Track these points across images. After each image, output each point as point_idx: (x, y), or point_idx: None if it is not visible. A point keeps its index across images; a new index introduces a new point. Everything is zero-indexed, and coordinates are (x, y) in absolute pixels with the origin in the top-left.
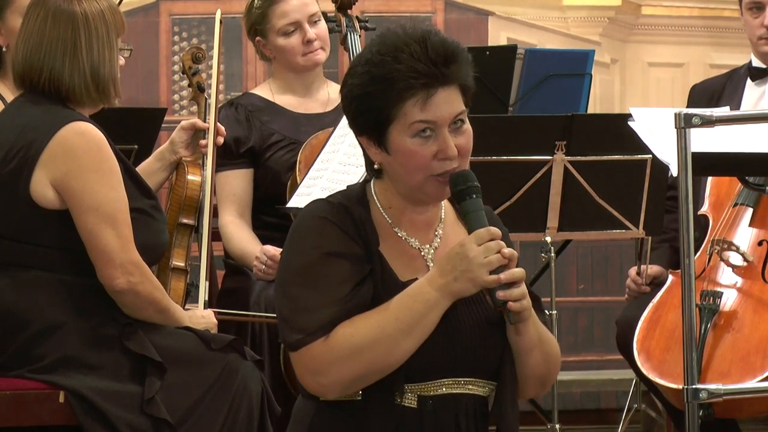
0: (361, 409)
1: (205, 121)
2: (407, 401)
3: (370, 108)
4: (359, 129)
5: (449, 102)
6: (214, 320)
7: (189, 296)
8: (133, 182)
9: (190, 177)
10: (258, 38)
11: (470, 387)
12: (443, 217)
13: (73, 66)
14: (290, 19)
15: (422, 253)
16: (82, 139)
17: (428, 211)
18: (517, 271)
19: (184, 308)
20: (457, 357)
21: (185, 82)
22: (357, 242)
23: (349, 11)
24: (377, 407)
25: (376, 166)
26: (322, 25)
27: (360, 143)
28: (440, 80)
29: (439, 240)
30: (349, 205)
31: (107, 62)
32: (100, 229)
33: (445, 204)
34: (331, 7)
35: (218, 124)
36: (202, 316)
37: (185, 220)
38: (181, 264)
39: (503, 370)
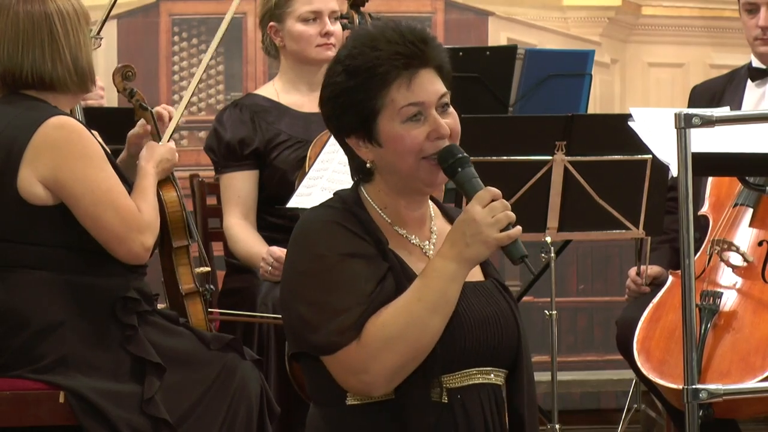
0: (397, 408)
1: (157, 135)
2: (441, 396)
3: (355, 103)
4: (346, 129)
5: (432, 82)
6: (175, 153)
7: (205, 300)
8: (116, 173)
9: (165, 196)
10: (272, 23)
11: (489, 377)
12: (432, 214)
13: (54, 54)
14: (314, 7)
15: (423, 250)
16: (63, 132)
17: (421, 207)
18: (518, 229)
19: (207, 325)
20: (479, 346)
21: (185, 82)
22: (368, 243)
23: (361, 8)
24: (415, 405)
25: (368, 165)
26: (339, 26)
27: (347, 146)
28: (421, 60)
29: (435, 236)
30: (351, 208)
31: (83, 47)
32: (101, 211)
33: (430, 203)
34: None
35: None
36: (167, 152)
37: (178, 244)
38: (191, 286)
39: (520, 360)
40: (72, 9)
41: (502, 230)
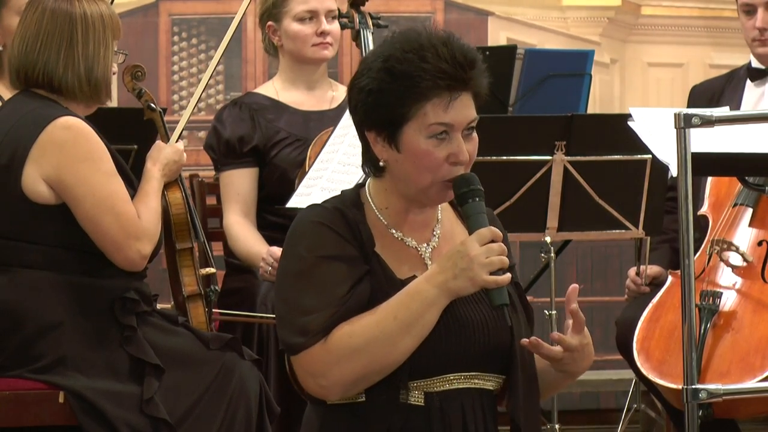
0: (366, 409)
1: (166, 135)
2: (413, 399)
3: (388, 104)
4: (370, 123)
5: (467, 107)
6: (183, 154)
7: (209, 301)
8: (123, 176)
9: (170, 198)
10: (270, 23)
11: (476, 381)
12: (440, 217)
13: (68, 59)
14: (309, 6)
15: (419, 252)
16: (70, 133)
17: (426, 212)
18: (507, 277)
19: (208, 327)
20: (463, 352)
21: (185, 82)
22: (352, 245)
23: (362, 8)
24: (382, 407)
25: (381, 163)
26: (337, 25)
27: (365, 138)
28: (464, 84)
29: (437, 239)
30: (344, 209)
31: (102, 60)
32: (100, 215)
33: (443, 204)
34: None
35: None
36: (173, 153)
37: (182, 246)
38: (194, 288)
39: (513, 364)
40: (99, 18)
41: (492, 273)
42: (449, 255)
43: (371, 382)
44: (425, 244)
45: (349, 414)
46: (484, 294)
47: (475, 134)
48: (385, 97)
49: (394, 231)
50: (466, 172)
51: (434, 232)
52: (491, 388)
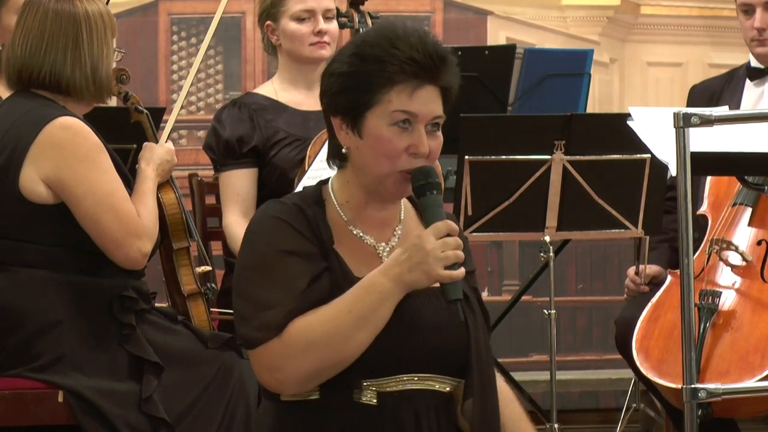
0: (319, 407)
1: (154, 137)
2: (366, 398)
3: (354, 87)
4: (336, 108)
5: (433, 101)
6: (174, 154)
7: (207, 299)
8: (121, 176)
9: (164, 198)
10: (268, 22)
11: (431, 383)
12: (402, 217)
13: (75, 59)
14: (307, 6)
15: (378, 251)
16: (68, 133)
17: (386, 209)
18: (462, 271)
19: (210, 325)
20: (417, 353)
21: (184, 82)
22: (311, 241)
23: (361, 7)
24: (335, 405)
25: (344, 151)
26: (335, 25)
27: (330, 124)
28: (432, 75)
29: (397, 239)
30: (303, 206)
31: (105, 59)
32: (101, 214)
33: (405, 204)
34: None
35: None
36: (166, 153)
37: (178, 246)
38: (193, 287)
39: (470, 367)
40: (100, 17)
41: (447, 267)
42: (405, 247)
43: (327, 377)
44: (384, 244)
45: (303, 411)
46: (439, 291)
47: (440, 133)
48: (353, 81)
49: (353, 228)
50: (425, 165)
51: (395, 232)
52: (446, 390)
